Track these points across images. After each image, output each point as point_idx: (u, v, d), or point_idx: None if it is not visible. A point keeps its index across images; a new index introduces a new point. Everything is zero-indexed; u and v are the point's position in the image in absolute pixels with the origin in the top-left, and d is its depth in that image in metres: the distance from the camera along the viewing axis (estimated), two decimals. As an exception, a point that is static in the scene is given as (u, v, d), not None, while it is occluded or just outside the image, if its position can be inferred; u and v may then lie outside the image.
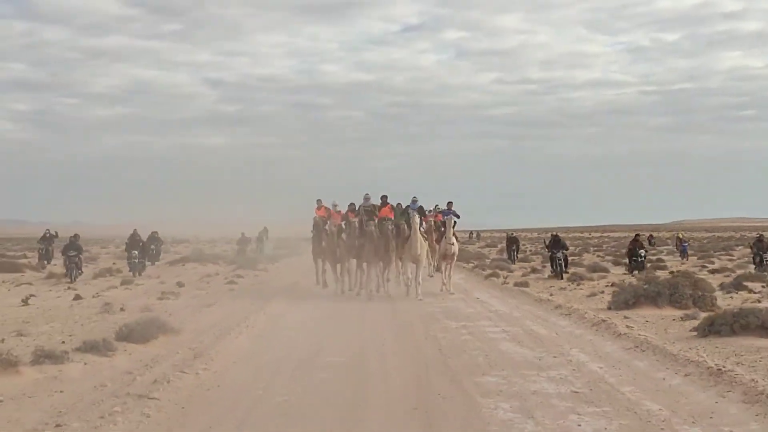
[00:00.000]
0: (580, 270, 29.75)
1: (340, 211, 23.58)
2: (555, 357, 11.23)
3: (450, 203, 23.56)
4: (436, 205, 24.35)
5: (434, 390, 9.00)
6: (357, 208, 22.51)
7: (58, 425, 7.42)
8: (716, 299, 17.21)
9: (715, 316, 12.60)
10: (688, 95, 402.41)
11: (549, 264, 28.75)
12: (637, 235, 32.01)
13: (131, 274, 30.62)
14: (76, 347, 11.13)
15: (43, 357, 9.99)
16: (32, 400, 8.50)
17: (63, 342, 12.19)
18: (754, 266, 30.25)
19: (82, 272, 29.08)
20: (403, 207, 22.90)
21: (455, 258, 23.37)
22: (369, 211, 22.10)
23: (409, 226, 21.75)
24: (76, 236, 29.88)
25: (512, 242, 41.33)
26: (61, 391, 8.92)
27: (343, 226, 22.62)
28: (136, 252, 31.55)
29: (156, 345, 12.14)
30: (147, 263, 33.82)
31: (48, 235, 36.84)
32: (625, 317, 15.39)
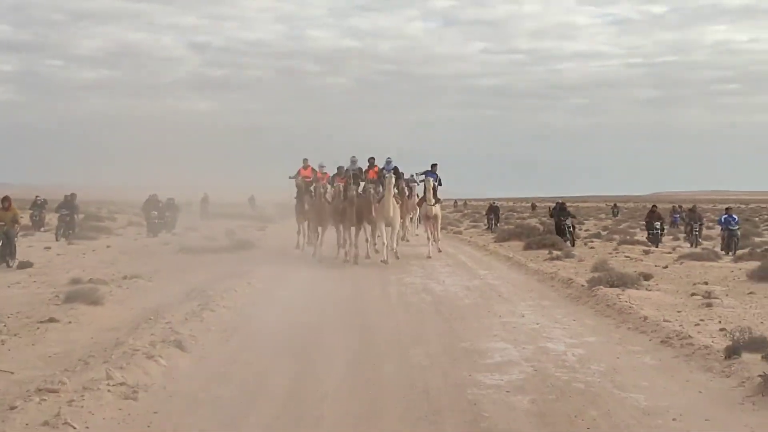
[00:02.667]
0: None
1: (326, 173, 22.95)
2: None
3: (434, 165, 22.98)
4: (412, 174, 23.90)
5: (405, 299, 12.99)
6: (345, 171, 21.90)
7: (150, 318, 11.49)
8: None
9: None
10: (674, 68, 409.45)
11: (557, 233, 27.67)
12: (653, 206, 31.63)
13: (151, 234, 31.03)
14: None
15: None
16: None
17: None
18: (685, 236, 31.50)
19: (71, 232, 28.61)
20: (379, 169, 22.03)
21: (438, 220, 23.12)
22: (355, 174, 21.64)
23: (384, 187, 20.92)
24: (72, 195, 29.69)
25: (492, 211, 42.61)
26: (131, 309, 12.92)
27: (328, 188, 21.80)
28: (155, 212, 32.02)
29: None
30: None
31: (39, 201, 35.25)
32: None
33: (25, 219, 35.17)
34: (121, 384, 7.75)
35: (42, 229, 33.21)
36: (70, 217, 28.96)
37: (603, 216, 66.18)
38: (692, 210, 32.50)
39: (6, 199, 18.75)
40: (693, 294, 14.27)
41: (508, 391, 7.93)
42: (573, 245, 26.60)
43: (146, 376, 8.20)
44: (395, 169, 21.90)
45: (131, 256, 22.13)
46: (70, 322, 11.37)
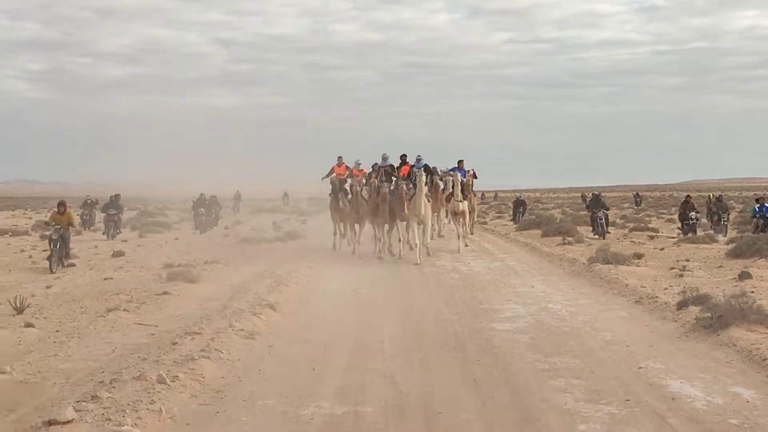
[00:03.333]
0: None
1: (363, 170, 23.03)
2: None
3: (461, 161, 24.05)
4: (442, 170, 24.47)
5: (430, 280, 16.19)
6: (378, 168, 22.09)
7: (240, 290, 14.82)
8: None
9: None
10: (702, 55, 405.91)
11: (592, 226, 28.73)
12: (687, 197, 31.31)
13: (197, 231, 32.78)
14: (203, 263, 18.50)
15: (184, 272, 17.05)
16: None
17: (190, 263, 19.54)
18: (711, 225, 30.85)
19: (120, 231, 29.76)
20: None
21: (467, 216, 23.59)
22: (387, 171, 21.76)
23: (415, 186, 20.97)
24: (116, 196, 30.56)
25: (519, 204, 42.57)
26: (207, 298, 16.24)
27: (364, 186, 22.14)
28: (203, 210, 33.61)
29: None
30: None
31: (89, 201, 36.29)
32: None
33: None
34: (241, 330, 11.02)
35: (91, 228, 34.29)
36: (117, 217, 29.79)
37: (626, 205, 68.84)
38: (719, 200, 32.10)
39: (62, 203, 20.45)
40: (672, 268, 17.33)
41: (514, 333, 11.09)
42: (603, 237, 27.07)
43: (254, 326, 11.46)
44: (425, 167, 22.18)
45: (200, 246, 25.52)
46: (179, 295, 14.68)
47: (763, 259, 18.42)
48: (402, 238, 21.50)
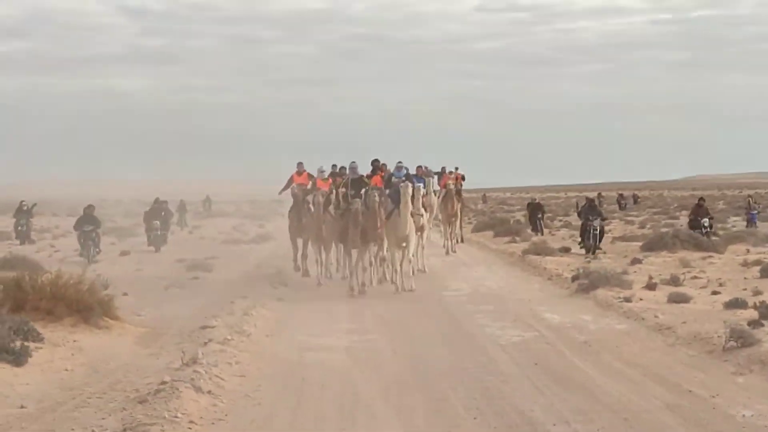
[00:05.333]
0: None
1: (328, 179, 22.05)
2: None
3: (419, 168, 24.35)
4: (451, 170, 28.03)
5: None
6: (344, 180, 20.70)
7: (253, 277, 22.96)
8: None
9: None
10: (711, 25, 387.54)
11: (581, 236, 27.71)
12: (701, 200, 31.08)
13: (152, 248, 31.37)
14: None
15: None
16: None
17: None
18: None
19: (100, 250, 28.27)
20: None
21: (424, 231, 22.74)
22: (356, 183, 20.37)
23: (394, 200, 20.38)
24: (90, 207, 28.96)
25: (537, 209, 39.93)
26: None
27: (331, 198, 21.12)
28: (158, 222, 31.74)
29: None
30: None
31: (25, 207, 35.44)
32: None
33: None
34: (271, 304, 19.05)
35: (26, 242, 33.44)
36: (95, 233, 27.99)
37: (611, 208, 71.42)
38: (699, 205, 31.15)
39: None
40: (586, 257, 25.89)
41: (458, 297, 19.40)
42: (593, 254, 26.13)
43: (278, 303, 19.44)
44: (407, 176, 21.82)
45: (190, 246, 33.31)
46: (200, 279, 22.60)
47: (666, 251, 27.02)
48: (371, 264, 20.84)
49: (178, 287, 20.96)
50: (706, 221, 29.14)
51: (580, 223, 28.48)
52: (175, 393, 9.62)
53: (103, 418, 9.10)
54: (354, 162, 20.99)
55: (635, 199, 74.80)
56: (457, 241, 29.04)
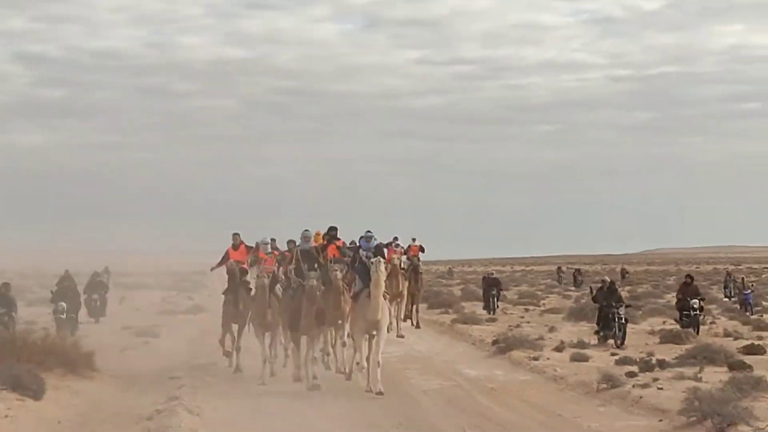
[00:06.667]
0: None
1: (274, 252, 21.32)
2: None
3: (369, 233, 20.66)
4: (395, 238, 24.15)
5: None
6: (294, 253, 20.04)
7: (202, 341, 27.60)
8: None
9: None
10: (673, 82, 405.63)
11: (598, 324, 26.85)
12: (688, 277, 30.58)
13: (92, 319, 33.91)
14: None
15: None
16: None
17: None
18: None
19: (104, 315, 31.11)
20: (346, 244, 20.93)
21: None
22: (309, 255, 19.70)
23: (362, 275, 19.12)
24: (6, 286, 26.69)
25: (492, 285, 40.55)
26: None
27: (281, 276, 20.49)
28: (65, 304, 29.33)
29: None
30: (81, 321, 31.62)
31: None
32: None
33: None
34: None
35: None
36: (9, 317, 25.88)
37: (547, 283, 73.38)
38: (686, 283, 30.43)
39: None
40: (509, 326, 31.09)
41: (392, 358, 24.31)
42: (623, 343, 25.53)
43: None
44: (378, 248, 19.98)
45: (127, 316, 37.71)
46: (149, 344, 27.20)
47: (585, 321, 32.31)
48: (329, 354, 20.36)
49: (132, 349, 25.56)
50: (696, 302, 28.49)
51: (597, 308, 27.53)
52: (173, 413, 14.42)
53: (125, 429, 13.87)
54: (307, 230, 20.36)
55: (623, 275, 76.97)
56: (413, 324, 25.98)
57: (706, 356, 20.73)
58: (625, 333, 26.18)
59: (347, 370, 20.49)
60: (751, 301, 38.82)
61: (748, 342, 25.09)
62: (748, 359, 20.94)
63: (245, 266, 21.98)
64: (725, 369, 19.38)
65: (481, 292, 43.18)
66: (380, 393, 18.24)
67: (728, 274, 52.37)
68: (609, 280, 28.45)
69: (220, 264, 22.46)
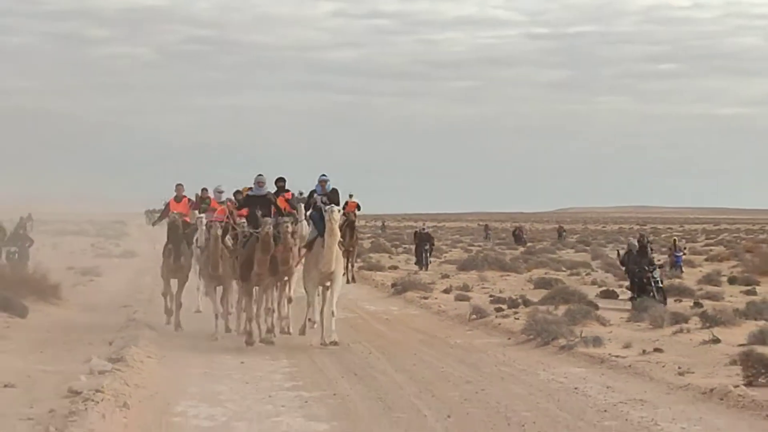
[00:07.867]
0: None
1: (228, 202, 20.48)
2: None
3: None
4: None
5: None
6: (243, 198, 19.51)
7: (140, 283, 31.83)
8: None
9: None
10: (590, 42, 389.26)
11: (632, 290, 25.25)
12: (642, 238, 27.15)
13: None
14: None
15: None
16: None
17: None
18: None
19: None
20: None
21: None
22: (262, 201, 18.86)
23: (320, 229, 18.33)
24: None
25: (424, 240, 40.98)
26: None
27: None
28: (16, 249, 30.78)
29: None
30: None
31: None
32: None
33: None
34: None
35: None
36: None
37: (467, 240, 76.75)
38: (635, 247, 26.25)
39: None
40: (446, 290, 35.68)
41: (345, 320, 28.68)
42: (665, 304, 23.68)
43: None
44: (334, 192, 19.10)
45: (65, 258, 41.47)
46: (95, 281, 31.25)
47: (475, 270, 37.16)
48: (270, 308, 19.72)
49: (81, 285, 29.65)
50: (657, 273, 25.19)
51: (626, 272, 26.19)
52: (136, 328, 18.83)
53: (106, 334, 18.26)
54: (261, 175, 19.20)
55: (560, 233, 78.76)
56: (348, 281, 23.33)
57: (564, 297, 25.40)
58: (665, 296, 24.81)
59: (291, 330, 19.95)
60: (680, 262, 39.46)
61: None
62: (600, 302, 25.28)
63: (188, 218, 21.41)
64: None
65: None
66: (335, 343, 18.00)
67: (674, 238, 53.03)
68: (638, 238, 26.56)
69: (162, 217, 22.03)
